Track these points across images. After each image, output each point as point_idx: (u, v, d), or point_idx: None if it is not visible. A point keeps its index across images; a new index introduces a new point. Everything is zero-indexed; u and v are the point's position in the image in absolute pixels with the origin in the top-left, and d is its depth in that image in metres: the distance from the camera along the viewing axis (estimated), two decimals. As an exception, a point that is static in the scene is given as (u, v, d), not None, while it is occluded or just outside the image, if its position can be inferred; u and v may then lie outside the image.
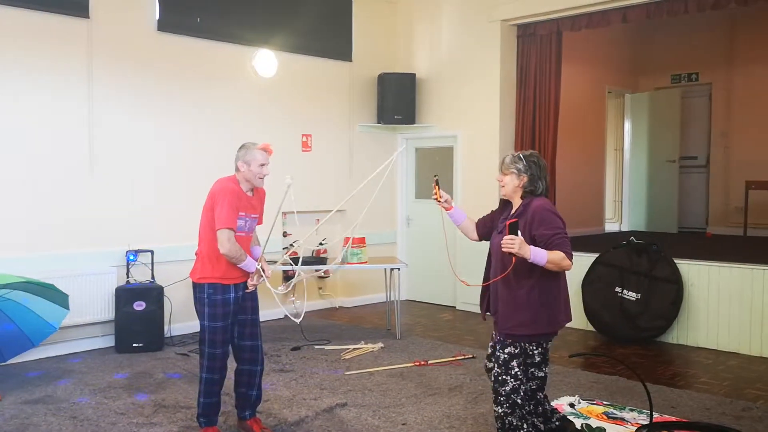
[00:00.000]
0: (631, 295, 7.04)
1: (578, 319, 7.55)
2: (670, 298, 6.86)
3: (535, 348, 3.62)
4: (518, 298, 3.58)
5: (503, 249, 3.38)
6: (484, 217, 3.96)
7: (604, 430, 4.47)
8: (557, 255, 3.44)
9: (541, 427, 3.72)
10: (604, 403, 5.04)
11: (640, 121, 11.18)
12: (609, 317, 7.16)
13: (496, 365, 3.68)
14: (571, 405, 4.95)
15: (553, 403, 4.99)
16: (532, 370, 3.65)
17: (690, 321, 6.88)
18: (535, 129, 8.35)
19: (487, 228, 3.91)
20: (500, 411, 3.67)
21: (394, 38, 9.39)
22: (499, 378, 3.65)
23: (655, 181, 10.97)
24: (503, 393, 3.64)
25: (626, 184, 11.41)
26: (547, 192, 3.72)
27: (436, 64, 9.04)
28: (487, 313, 3.85)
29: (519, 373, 3.61)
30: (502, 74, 8.39)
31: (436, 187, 3.84)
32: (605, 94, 10.76)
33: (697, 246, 8.73)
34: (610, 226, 11.15)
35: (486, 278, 3.79)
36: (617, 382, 5.60)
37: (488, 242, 3.90)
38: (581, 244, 7.95)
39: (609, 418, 4.71)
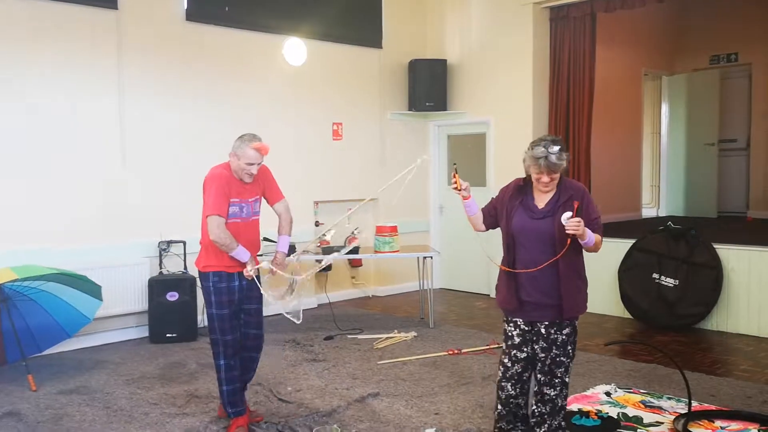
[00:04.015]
0: (669, 282, 6.89)
1: (615, 306, 7.45)
2: (710, 283, 6.70)
3: (577, 322, 3.67)
4: (575, 279, 3.59)
5: (571, 231, 3.38)
6: (486, 206, 3.86)
7: (641, 419, 4.38)
8: (598, 238, 3.55)
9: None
10: (641, 391, 4.93)
11: (678, 103, 10.93)
12: (646, 304, 7.03)
13: (552, 348, 3.59)
14: (608, 393, 4.86)
15: (589, 392, 4.92)
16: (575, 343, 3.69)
17: (730, 307, 6.72)
18: (569, 114, 8.20)
19: (492, 218, 3.82)
20: (552, 394, 3.61)
21: (424, 24, 9.29)
22: (557, 360, 3.60)
23: (694, 165, 10.73)
24: (558, 375, 3.61)
25: (664, 168, 11.17)
26: None
27: (468, 50, 8.92)
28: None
29: (571, 350, 3.64)
30: (535, 58, 8.25)
31: (456, 175, 3.72)
32: (641, 76, 10.51)
33: (738, 230, 8.51)
34: (647, 212, 10.94)
35: (511, 264, 3.66)
36: (655, 370, 5.49)
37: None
38: (618, 229, 7.83)
39: (646, 406, 4.60)
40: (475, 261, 8.77)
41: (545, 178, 3.50)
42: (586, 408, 4.49)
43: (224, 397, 4.31)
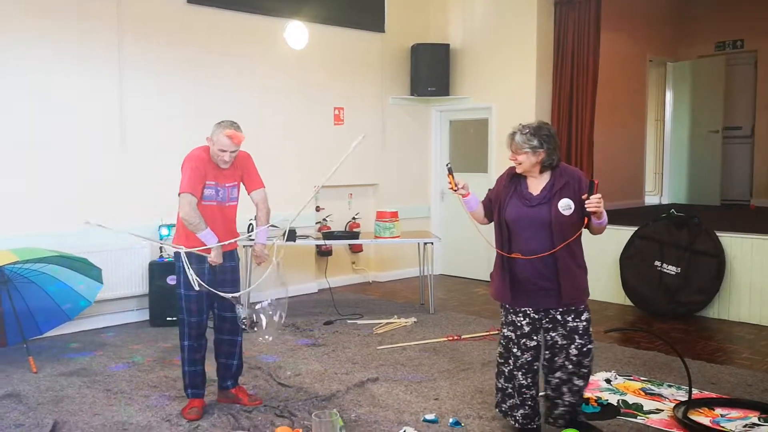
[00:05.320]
0: (671, 269, 6.87)
1: (616, 294, 7.43)
2: (712, 272, 6.68)
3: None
4: (573, 266, 3.55)
5: (595, 208, 3.38)
6: (484, 199, 3.86)
7: (641, 406, 4.37)
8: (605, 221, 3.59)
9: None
10: (642, 378, 4.92)
11: (683, 90, 10.86)
12: (648, 292, 7.01)
13: (575, 338, 3.58)
14: (608, 381, 4.85)
15: (589, 379, 4.90)
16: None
17: (732, 295, 6.70)
18: (573, 100, 8.15)
19: (490, 210, 3.81)
20: (582, 384, 3.60)
21: (427, 8, 9.21)
22: (584, 349, 3.57)
23: (697, 153, 10.67)
24: (586, 364, 3.58)
25: (667, 155, 11.12)
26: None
27: (471, 34, 8.86)
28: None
29: (593, 336, 3.61)
30: (539, 44, 8.19)
31: (450, 176, 3.72)
32: (646, 63, 10.43)
33: (740, 218, 8.47)
34: (650, 199, 10.90)
35: (507, 252, 3.64)
36: (655, 357, 5.48)
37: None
38: (620, 217, 7.79)
39: (646, 394, 4.60)
40: (476, 247, 8.74)
41: (511, 156, 3.63)
42: (586, 395, 4.47)
43: (185, 378, 4.33)
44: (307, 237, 7.12)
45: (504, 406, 3.81)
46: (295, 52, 7.84)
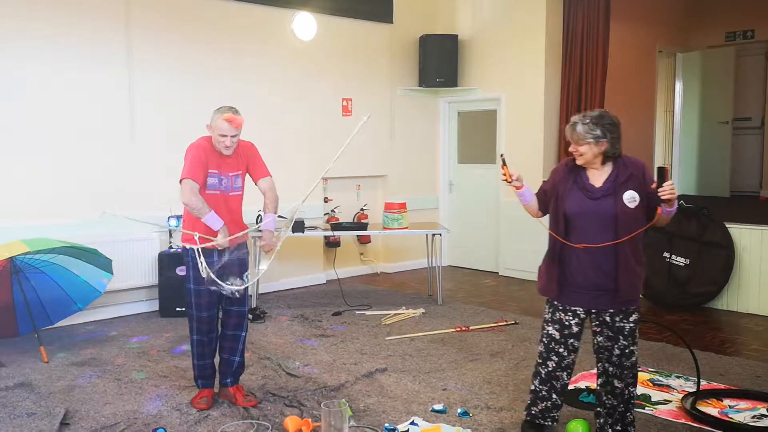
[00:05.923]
0: (680, 261, 6.86)
1: (624, 285, 7.41)
2: (721, 263, 6.66)
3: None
4: (638, 260, 3.44)
5: (669, 195, 3.20)
6: (538, 191, 3.72)
7: (650, 397, 4.37)
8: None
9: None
10: (650, 369, 4.93)
11: (692, 81, 10.81)
12: (657, 283, 6.99)
13: (620, 338, 3.47)
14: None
15: (597, 369, 4.91)
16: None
17: (741, 287, 6.69)
18: (582, 91, 8.12)
19: (544, 202, 3.68)
20: (621, 385, 3.51)
21: (436, -1, 9.20)
22: (626, 351, 3.47)
23: (707, 144, 10.63)
24: (628, 365, 3.49)
25: (677, 146, 11.07)
26: None
27: (480, 25, 8.83)
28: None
29: (638, 337, 3.52)
30: (548, 34, 8.16)
31: (505, 167, 3.59)
32: (655, 53, 10.38)
33: (750, 210, 8.43)
34: (659, 190, 10.85)
35: (563, 247, 3.51)
36: (664, 348, 5.48)
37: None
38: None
39: (654, 385, 4.60)
40: (484, 238, 8.77)
41: (572, 147, 3.49)
42: (594, 386, 4.48)
43: (195, 370, 4.35)
44: (315, 228, 7.14)
45: (534, 409, 3.72)
46: (304, 44, 7.84)
